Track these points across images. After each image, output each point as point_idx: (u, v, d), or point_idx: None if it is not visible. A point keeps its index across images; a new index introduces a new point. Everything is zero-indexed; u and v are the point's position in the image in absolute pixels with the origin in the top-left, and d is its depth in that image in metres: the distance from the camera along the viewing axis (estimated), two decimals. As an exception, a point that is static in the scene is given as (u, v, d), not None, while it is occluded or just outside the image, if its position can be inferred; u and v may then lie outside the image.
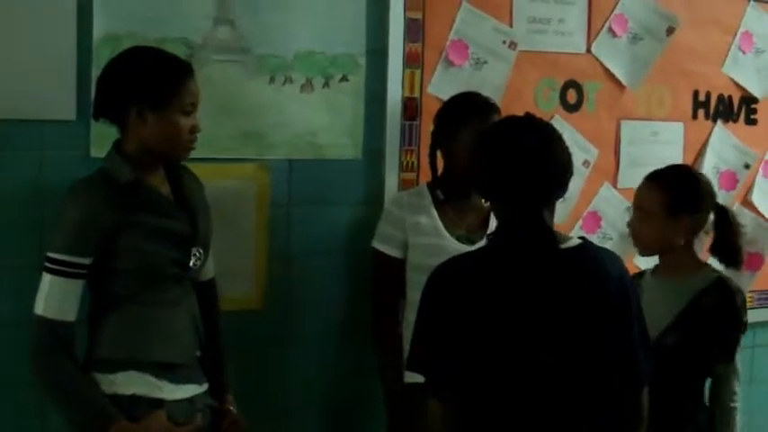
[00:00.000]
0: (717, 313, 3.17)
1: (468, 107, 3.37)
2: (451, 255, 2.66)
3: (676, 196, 3.21)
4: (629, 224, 3.35)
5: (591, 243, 2.62)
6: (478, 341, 2.46)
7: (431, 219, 3.41)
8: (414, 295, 3.32)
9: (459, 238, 3.37)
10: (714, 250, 3.31)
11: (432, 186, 3.48)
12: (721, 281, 3.23)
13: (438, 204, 3.43)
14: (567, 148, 2.54)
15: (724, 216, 3.30)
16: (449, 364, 2.48)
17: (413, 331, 2.60)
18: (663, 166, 3.35)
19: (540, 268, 2.48)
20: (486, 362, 2.47)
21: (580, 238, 2.61)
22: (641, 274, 3.41)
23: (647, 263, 3.45)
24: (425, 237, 3.38)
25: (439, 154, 3.48)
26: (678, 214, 3.20)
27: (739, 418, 3.29)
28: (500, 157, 2.49)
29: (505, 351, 2.46)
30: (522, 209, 2.49)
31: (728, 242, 3.29)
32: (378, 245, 3.47)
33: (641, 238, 3.29)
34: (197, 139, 2.79)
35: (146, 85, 2.68)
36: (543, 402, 2.48)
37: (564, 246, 2.53)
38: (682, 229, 3.22)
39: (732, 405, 3.25)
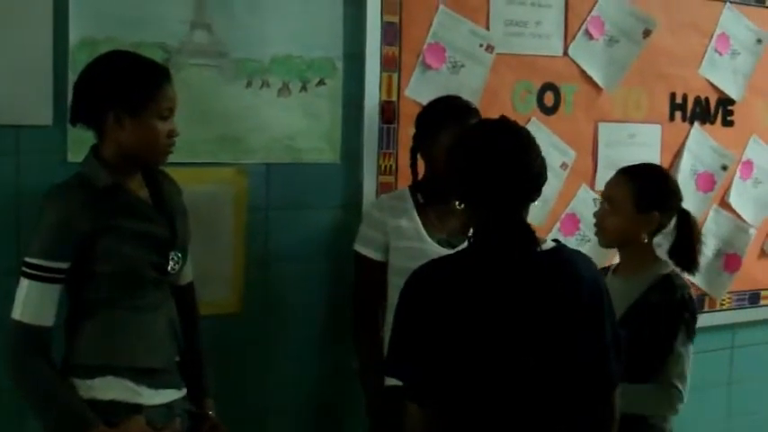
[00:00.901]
0: (659, 309, 3.21)
1: (447, 110, 3.36)
2: (432, 258, 2.66)
3: (648, 192, 3.26)
4: (596, 215, 3.38)
5: (565, 246, 2.62)
6: (456, 344, 2.46)
7: (412, 222, 3.40)
8: (395, 298, 3.31)
9: (440, 242, 3.36)
10: (672, 253, 3.34)
11: (413, 190, 3.48)
12: (667, 277, 3.27)
13: (419, 208, 3.43)
14: (540, 152, 2.55)
15: (686, 220, 3.33)
16: (427, 367, 2.47)
17: (390, 335, 2.60)
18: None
19: (517, 271, 2.49)
20: (464, 364, 2.47)
21: (554, 240, 2.62)
22: (604, 270, 3.43)
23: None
24: (407, 240, 3.38)
25: (420, 157, 3.48)
26: (648, 209, 3.25)
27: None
28: (477, 159, 2.50)
29: (483, 353, 2.46)
30: (501, 210, 2.50)
31: (688, 246, 3.32)
32: (359, 248, 3.47)
33: (607, 230, 3.33)
34: (174, 143, 2.78)
35: (123, 89, 2.68)
36: (521, 405, 2.49)
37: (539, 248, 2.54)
38: (649, 225, 3.27)
39: (674, 389, 3.21)
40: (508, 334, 2.46)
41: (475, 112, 3.37)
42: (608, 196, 3.34)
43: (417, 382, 2.50)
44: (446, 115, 3.33)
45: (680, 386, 3.21)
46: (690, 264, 3.34)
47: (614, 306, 3.16)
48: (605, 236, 3.35)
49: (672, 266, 3.32)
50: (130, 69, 2.71)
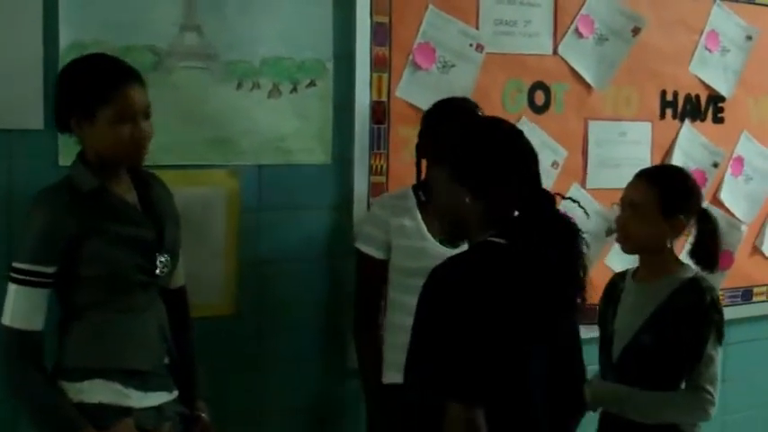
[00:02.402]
0: (686, 313, 3.14)
1: (455, 112, 3.34)
2: (434, 257, 2.62)
3: (673, 196, 3.18)
4: (618, 221, 3.28)
5: None
6: (487, 338, 2.37)
7: (414, 221, 3.40)
8: (395, 296, 3.36)
9: (441, 241, 3.30)
10: (693, 253, 3.25)
11: (415, 188, 3.47)
12: (693, 280, 3.20)
13: (422, 206, 3.42)
14: None
15: (707, 219, 3.25)
16: (476, 365, 2.36)
17: (412, 338, 2.46)
18: (632, 166, 3.36)
19: (547, 265, 2.46)
20: (506, 358, 2.41)
21: None
22: (623, 275, 3.41)
23: (621, 264, 3.43)
24: (408, 239, 3.38)
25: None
26: (674, 214, 3.17)
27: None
28: (504, 154, 2.47)
29: (513, 346, 2.42)
30: (539, 200, 2.48)
31: (709, 246, 3.23)
32: (361, 246, 3.47)
33: (631, 236, 3.23)
34: (145, 144, 2.75)
35: (76, 94, 2.68)
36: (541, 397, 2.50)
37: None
38: (674, 231, 3.20)
39: (706, 394, 3.18)
40: (532, 327, 2.45)
41: (476, 113, 3.37)
42: (631, 201, 3.22)
43: (471, 382, 2.37)
44: (454, 117, 3.31)
45: (712, 390, 3.18)
46: (711, 263, 3.24)
47: (637, 312, 3.16)
48: (630, 243, 3.25)
49: (694, 269, 3.24)
50: (85, 73, 2.71)
